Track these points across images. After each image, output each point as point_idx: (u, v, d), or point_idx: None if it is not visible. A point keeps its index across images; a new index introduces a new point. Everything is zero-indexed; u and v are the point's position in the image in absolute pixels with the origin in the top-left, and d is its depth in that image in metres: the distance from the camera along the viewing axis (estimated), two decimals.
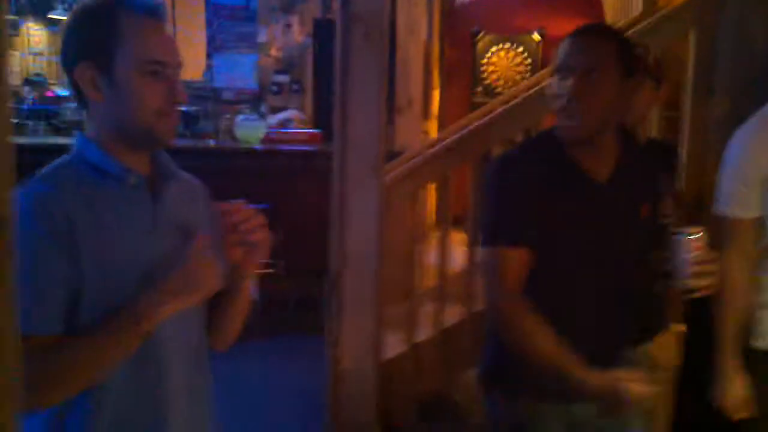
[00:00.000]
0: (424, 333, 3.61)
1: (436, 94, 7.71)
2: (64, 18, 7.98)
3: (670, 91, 2.48)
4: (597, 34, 1.81)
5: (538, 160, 1.83)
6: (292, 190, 5.12)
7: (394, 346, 3.58)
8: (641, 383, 1.67)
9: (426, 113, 6.45)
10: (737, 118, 2.56)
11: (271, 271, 1.70)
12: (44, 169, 1.44)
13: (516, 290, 1.79)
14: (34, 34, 7.82)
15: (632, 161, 1.86)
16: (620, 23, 4.43)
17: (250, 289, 1.70)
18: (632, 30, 3.60)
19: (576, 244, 1.82)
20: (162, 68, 1.43)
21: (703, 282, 1.75)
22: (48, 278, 1.33)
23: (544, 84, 3.53)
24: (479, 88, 7.87)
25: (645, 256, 1.93)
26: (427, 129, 6.42)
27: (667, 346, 2.46)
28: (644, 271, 1.95)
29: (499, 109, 3.70)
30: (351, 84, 3.07)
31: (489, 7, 8.23)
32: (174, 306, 1.40)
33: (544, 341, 1.74)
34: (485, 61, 7.98)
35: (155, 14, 1.47)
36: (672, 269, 1.70)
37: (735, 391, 2.16)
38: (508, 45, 7.97)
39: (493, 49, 8.03)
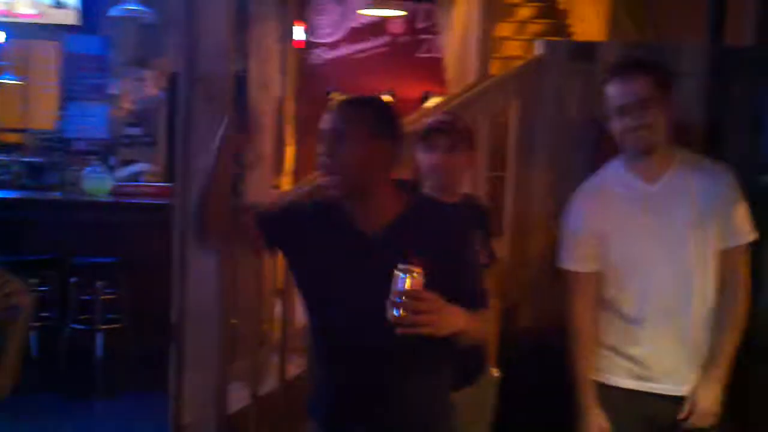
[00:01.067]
0: (268, 385, 3.65)
1: (290, 150, 7.87)
2: None
3: (480, 155, 2.68)
4: (350, 103, 2.00)
5: (312, 212, 2.04)
6: (140, 244, 5.09)
7: (239, 399, 3.59)
8: None
9: (278, 169, 6.57)
10: (556, 174, 2.79)
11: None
12: None
13: None
14: None
15: (415, 217, 1.97)
16: (458, 89, 4.73)
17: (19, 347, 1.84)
18: (464, 96, 3.87)
19: (340, 293, 1.95)
20: None
21: (409, 317, 1.75)
22: None
23: None
24: None
25: None
26: (279, 184, 6.52)
27: (484, 390, 2.62)
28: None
29: None
30: (194, 142, 3.15)
31: (342, 68, 8.51)
32: None
33: None
34: None
35: None
36: (388, 302, 1.76)
37: (599, 422, 2.36)
38: None
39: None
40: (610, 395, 2.39)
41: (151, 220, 5.08)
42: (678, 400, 2.33)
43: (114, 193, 5.68)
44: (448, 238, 1.99)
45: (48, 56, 8.81)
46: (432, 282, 1.78)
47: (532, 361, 3.03)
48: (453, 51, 6.35)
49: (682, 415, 2.32)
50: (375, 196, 1.95)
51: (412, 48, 8.78)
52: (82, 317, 5.05)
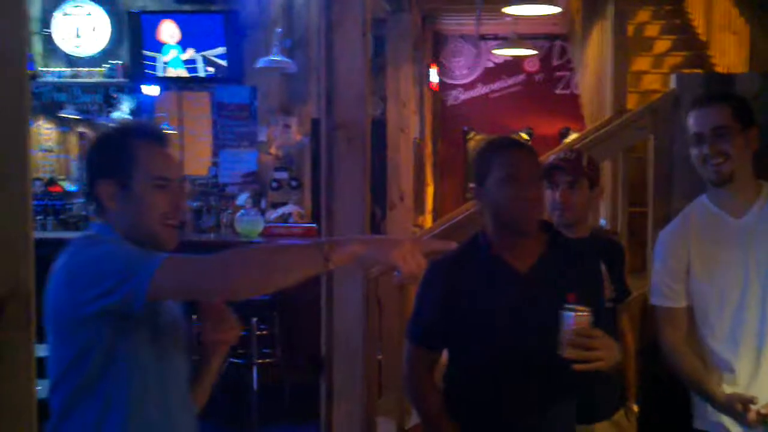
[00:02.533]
0: (414, 420, 3.76)
1: (429, 190, 8.06)
2: (74, 116, 8.34)
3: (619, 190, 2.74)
4: (528, 148, 2.20)
5: (465, 260, 2.14)
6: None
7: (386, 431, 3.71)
8: None
9: (419, 207, 6.78)
10: None
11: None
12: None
13: (423, 376, 2.19)
14: (45, 132, 8.21)
15: (556, 255, 2.12)
16: (594, 124, 4.78)
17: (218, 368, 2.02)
18: (599, 132, 3.93)
19: (496, 331, 2.08)
20: (167, 183, 1.80)
21: (582, 354, 1.87)
22: None
23: None
24: (471, 184, 8.24)
25: None
26: (421, 222, 6.72)
27: (621, 425, 2.64)
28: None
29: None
30: (337, 184, 3.36)
31: (477, 108, 8.68)
32: (355, 250, 1.63)
33: (430, 411, 2.17)
34: None
35: (162, 140, 1.86)
36: (558, 342, 1.87)
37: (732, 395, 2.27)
38: None
39: None
40: None
41: None
42: None
43: (265, 234, 6.00)
44: (584, 275, 2.14)
45: (200, 107, 9.40)
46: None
47: (670, 398, 3.01)
48: (588, 87, 6.39)
49: None
50: (530, 236, 2.10)
51: (548, 85, 8.85)
52: (239, 352, 5.36)
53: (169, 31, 8.23)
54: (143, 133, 1.85)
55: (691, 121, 2.36)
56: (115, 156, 1.79)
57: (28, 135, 1.04)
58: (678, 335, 2.39)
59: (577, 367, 1.86)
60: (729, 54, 6.17)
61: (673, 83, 3.77)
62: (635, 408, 2.73)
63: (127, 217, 1.78)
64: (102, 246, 1.71)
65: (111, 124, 8.71)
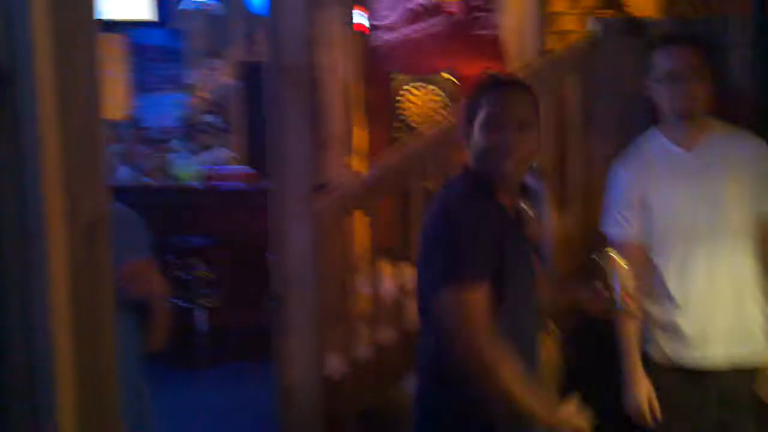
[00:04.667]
0: (361, 352, 3.94)
1: (360, 132, 8.21)
2: None
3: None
4: (524, 86, 2.04)
5: (488, 199, 1.99)
6: (229, 227, 5.48)
7: (334, 365, 3.81)
8: (587, 417, 1.91)
9: (348, 149, 6.93)
10: (614, 147, 3.04)
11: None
12: None
13: (488, 330, 1.83)
14: None
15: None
16: (517, 65, 5.00)
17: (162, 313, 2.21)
18: (522, 73, 4.14)
19: (519, 274, 1.99)
20: None
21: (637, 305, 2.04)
22: None
23: (448, 123, 4.03)
24: (396, 124, 8.40)
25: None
26: (349, 163, 6.87)
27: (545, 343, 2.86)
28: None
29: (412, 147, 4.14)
30: (283, 127, 3.51)
31: (402, 49, 8.82)
32: None
33: (516, 379, 1.83)
34: (400, 98, 8.53)
35: None
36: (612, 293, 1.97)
37: (646, 389, 2.51)
38: (420, 84, 8.54)
39: (407, 87, 8.59)
40: (656, 370, 2.52)
41: (239, 203, 5.48)
42: (739, 370, 2.43)
43: (199, 177, 6.08)
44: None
45: (121, 49, 9.25)
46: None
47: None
48: (510, 28, 6.60)
49: (761, 391, 2.43)
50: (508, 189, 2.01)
51: (470, 26, 9.03)
52: (182, 294, 5.49)
53: None
54: None
55: (663, 58, 2.46)
56: None
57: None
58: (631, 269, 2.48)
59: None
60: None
61: (592, 26, 4.00)
62: (553, 327, 2.93)
63: None
64: None
65: None
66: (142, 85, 8.48)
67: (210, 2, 7.35)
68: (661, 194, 2.52)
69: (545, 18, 6.57)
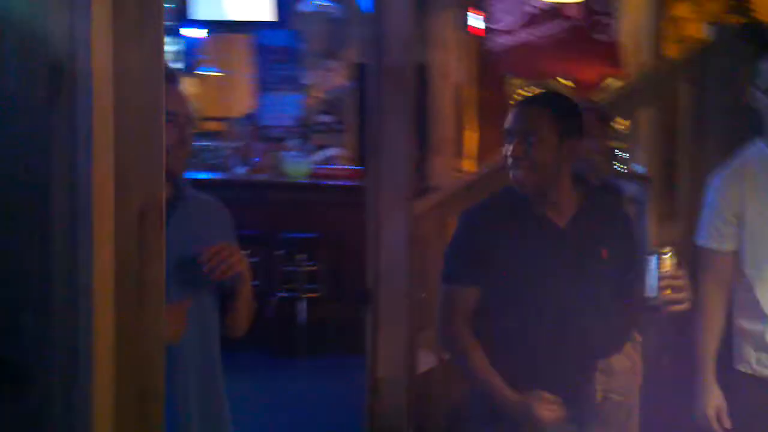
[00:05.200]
0: None
1: (472, 135, 8.19)
2: None
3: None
4: (537, 102, 2.21)
5: (501, 210, 2.19)
6: (336, 222, 5.59)
7: (424, 361, 3.89)
8: (552, 408, 2.04)
9: (460, 152, 6.92)
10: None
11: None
12: None
13: (460, 322, 2.16)
14: None
15: (591, 209, 2.18)
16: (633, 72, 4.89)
17: (246, 298, 2.15)
18: (634, 80, 4.06)
19: (533, 282, 2.13)
20: (174, 117, 1.97)
21: (673, 296, 1.98)
22: None
23: None
24: None
25: (604, 296, 2.16)
26: (461, 167, 6.86)
27: (630, 354, 2.80)
28: (601, 307, 2.15)
29: None
30: (382, 127, 3.56)
31: (518, 53, 8.73)
32: None
33: (477, 365, 2.14)
34: (513, 103, 8.46)
35: (169, 78, 1.99)
36: (643, 286, 1.95)
37: (716, 401, 2.47)
38: (537, 89, 8.43)
39: (526, 92, 8.51)
40: (740, 382, 2.48)
41: (344, 200, 5.59)
42: None
43: (313, 175, 6.22)
44: (623, 229, 2.24)
45: (243, 49, 9.56)
46: (610, 268, 2.05)
47: None
48: (628, 33, 6.45)
49: None
50: (561, 189, 2.12)
51: (591, 31, 8.85)
52: (286, 286, 5.64)
53: None
54: None
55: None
56: None
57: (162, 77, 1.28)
58: (718, 282, 2.48)
59: (667, 311, 1.99)
60: None
61: (707, 33, 3.88)
62: (638, 337, 2.87)
63: None
64: None
65: None
66: (261, 84, 8.72)
67: (328, 4, 7.49)
68: (757, 207, 2.44)
69: (667, 23, 6.39)
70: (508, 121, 2.15)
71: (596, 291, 2.11)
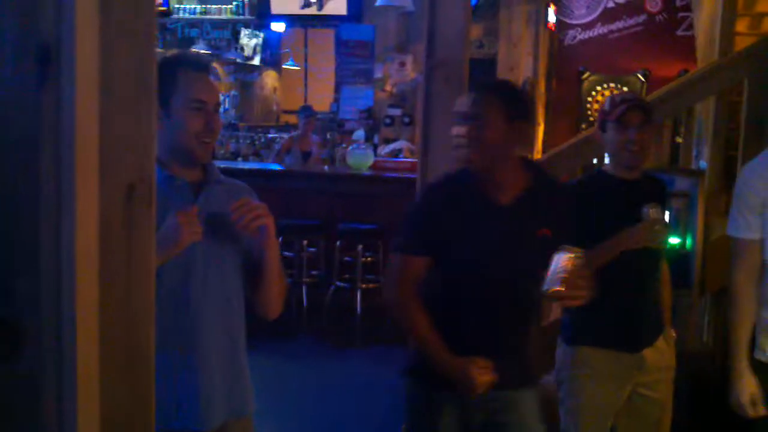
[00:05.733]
0: None
1: (539, 129, 8.13)
2: (204, 51, 8.76)
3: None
4: (486, 88, 2.30)
5: (453, 187, 2.31)
6: (396, 214, 5.63)
7: None
8: (486, 372, 2.15)
9: (530, 146, 6.87)
10: None
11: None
12: None
13: (408, 288, 2.27)
14: None
15: (539, 190, 2.27)
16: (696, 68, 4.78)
17: (276, 265, 2.15)
18: (693, 75, 3.97)
19: (476, 255, 2.25)
20: (203, 105, 2.03)
21: (566, 293, 2.07)
22: None
23: None
24: (584, 125, 8.23)
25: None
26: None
27: (661, 349, 2.73)
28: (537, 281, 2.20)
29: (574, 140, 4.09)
30: (433, 122, 3.58)
31: (595, 48, 8.61)
32: (159, 255, 1.83)
33: (420, 328, 2.25)
34: (591, 99, 8.34)
35: (202, 69, 2.09)
36: (545, 279, 2.06)
37: (750, 389, 2.49)
38: (613, 84, 8.30)
39: (599, 88, 8.38)
40: (761, 371, 2.48)
41: (406, 192, 5.62)
42: None
43: (374, 167, 6.29)
44: (565, 213, 2.32)
45: (323, 44, 9.72)
46: (549, 246, 2.12)
47: None
48: (702, 28, 6.28)
49: None
50: (506, 171, 2.24)
51: (669, 26, 8.65)
52: (345, 276, 5.72)
53: None
54: (185, 61, 2.09)
55: None
56: (160, 82, 2.02)
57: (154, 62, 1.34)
58: (749, 270, 2.51)
59: (559, 304, 2.14)
60: None
61: None
62: (673, 333, 2.83)
63: (169, 135, 2.01)
64: None
65: (236, 57, 9.13)
66: (341, 78, 8.85)
67: None
68: None
69: (746, 19, 6.20)
70: (460, 105, 2.29)
71: (534, 266, 2.17)
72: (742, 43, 5.62)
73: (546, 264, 2.10)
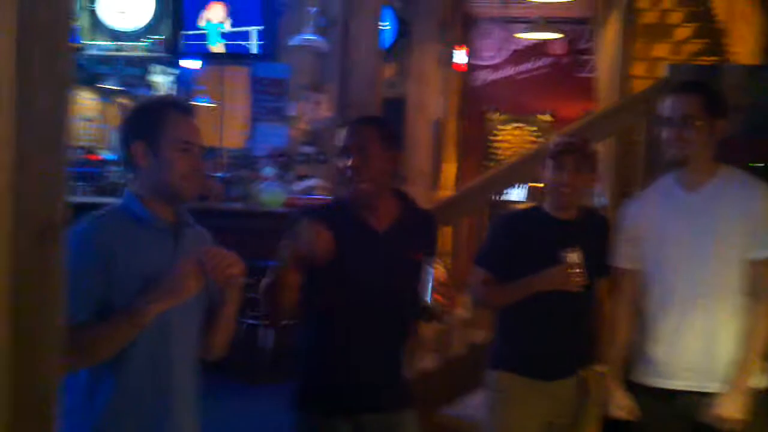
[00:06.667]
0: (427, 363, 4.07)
1: (451, 168, 8.32)
2: (113, 87, 8.66)
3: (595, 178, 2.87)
4: (364, 122, 2.50)
5: (333, 215, 2.43)
6: None
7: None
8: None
9: (436, 184, 7.02)
10: None
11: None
12: (99, 212, 2.06)
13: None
14: (85, 103, 8.58)
15: (409, 219, 2.48)
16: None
17: (234, 312, 2.19)
18: (595, 115, 4.16)
19: (354, 276, 2.39)
20: (190, 146, 2.09)
21: (444, 302, 2.25)
22: (84, 287, 1.91)
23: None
24: (492, 163, 8.46)
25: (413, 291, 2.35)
26: (437, 198, 6.96)
27: (583, 384, 2.85)
28: (409, 299, 2.35)
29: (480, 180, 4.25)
30: None
31: (503, 89, 8.90)
32: (161, 304, 1.94)
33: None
34: (499, 137, 8.59)
35: (189, 111, 2.18)
36: (418, 292, 2.22)
37: (622, 402, 2.67)
38: (520, 124, 8.58)
39: (507, 127, 8.64)
40: (638, 393, 2.65)
41: None
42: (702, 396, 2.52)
43: (288, 204, 6.29)
44: (430, 240, 2.53)
45: (238, 82, 9.70)
46: (419, 268, 2.27)
47: None
48: (603, 71, 6.57)
49: (705, 417, 2.50)
50: (383, 199, 2.43)
51: (573, 68, 9.03)
52: (254, 313, 5.68)
53: (209, 7, 8.54)
54: (173, 103, 2.21)
55: (665, 106, 2.61)
56: (149, 121, 2.08)
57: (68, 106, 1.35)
58: (624, 297, 2.70)
59: (437, 312, 2.27)
60: (747, 43, 6.31)
61: (665, 71, 3.98)
62: (599, 369, 2.92)
63: (155, 174, 2.05)
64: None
65: (148, 95, 9.07)
66: (255, 115, 8.86)
67: (316, 39, 7.63)
68: (653, 234, 2.63)
69: (643, 63, 6.52)
70: (344, 139, 2.44)
71: (410, 288, 2.29)
72: (639, 86, 5.92)
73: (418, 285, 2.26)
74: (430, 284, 2.21)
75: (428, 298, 2.22)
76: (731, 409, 2.48)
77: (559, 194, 2.73)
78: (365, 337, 2.42)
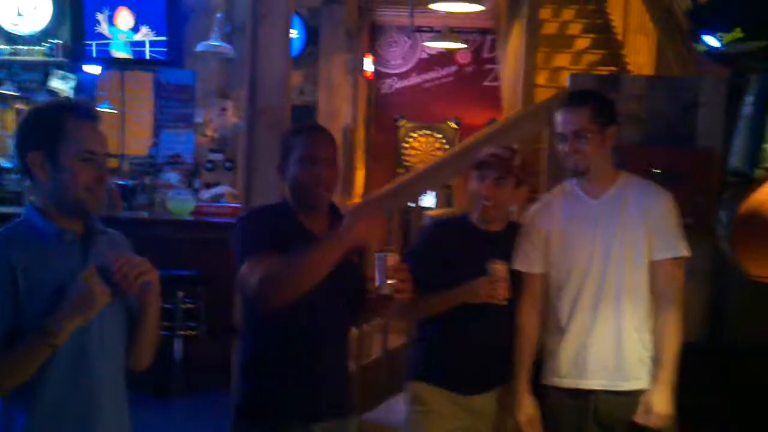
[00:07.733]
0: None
1: (359, 174, 8.37)
2: (11, 93, 8.38)
3: (530, 190, 2.88)
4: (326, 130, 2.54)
5: (270, 215, 2.49)
6: (218, 260, 5.55)
7: None
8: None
9: (347, 191, 7.06)
10: None
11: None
12: (1, 228, 1.95)
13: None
14: None
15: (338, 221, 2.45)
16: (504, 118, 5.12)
17: (155, 319, 2.11)
18: (501, 124, 4.25)
19: None
20: (93, 156, 1.95)
21: (398, 285, 2.35)
22: None
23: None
24: (402, 169, 8.54)
25: (349, 290, 2.44)
26: (348, 204, 6.99)
27: (500, 400, 2.81)
28: (347, 298, 2.44)
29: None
30: (256, 167, 3.62)
31: (410, 97, 9.00)
32: (73, 321, 1.85)
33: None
34: (408, 144, 8.68)
35: (92, 117, 1.99)
36: (380, 277, 2.31)
37: (528, 410, 2.70)
38: (428, 132, 8.69)
39: (414, 134, 8.75)
40: (547, 394, 2.71)
41: (224, 238, 5.57)
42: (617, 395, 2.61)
43: (196, 213, 6.20)
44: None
45: (141, 87, 9.51)
46: (357, 270, 2.44)
47: None
48: (507, 80, 6.74)
49: (637, 418, 2.58)
50: (322, 210, 2.45)
51: (478, 77, 9.21)
52: (164, 324, 5.57)
53: (111, 11, 8.36)
54: (74, 108, 1.97)
55: (557, 121, 2.68)
56: (46, 129, 1.92)
57: None
58: (531, 300, 2.73)
59: (397, 296, 2.35)
60: (641, 54, 6.57)
61: (567, 82, 4.10)
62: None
63: (55, 186, 1.91)
64: None
65: (44, 100, 8.79)
66: (160, 122, 8.70)
67: (223, 45, 7.56)
68: (559, 238, 2.69)
69: (539, 73, 6.69)
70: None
71: (345, 286, 2.35)
72: (542, 95, 6.09)
73: (357, 287, 2.37)
74: (381, 271, 2.29)
75: (379, 284, 2.30)
76: (660, 405, 2.56)
77: (481, 207, 2.70)
78: (309, 341, 2.37)
